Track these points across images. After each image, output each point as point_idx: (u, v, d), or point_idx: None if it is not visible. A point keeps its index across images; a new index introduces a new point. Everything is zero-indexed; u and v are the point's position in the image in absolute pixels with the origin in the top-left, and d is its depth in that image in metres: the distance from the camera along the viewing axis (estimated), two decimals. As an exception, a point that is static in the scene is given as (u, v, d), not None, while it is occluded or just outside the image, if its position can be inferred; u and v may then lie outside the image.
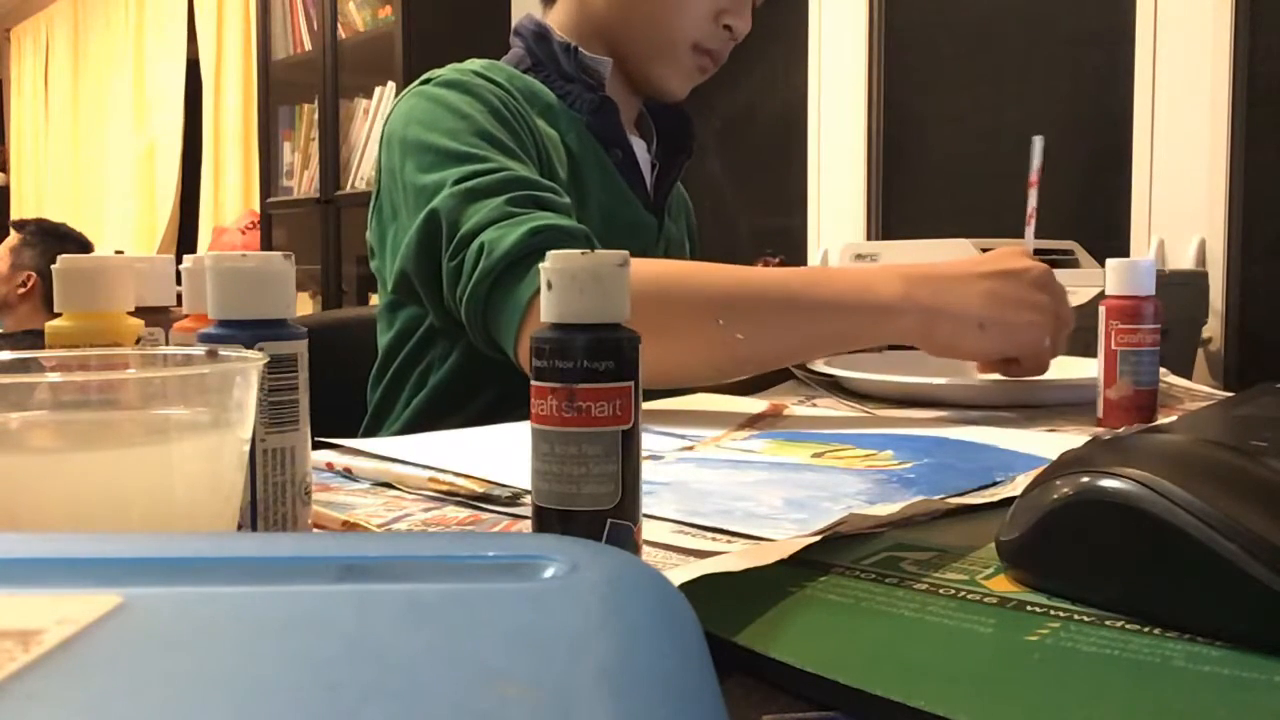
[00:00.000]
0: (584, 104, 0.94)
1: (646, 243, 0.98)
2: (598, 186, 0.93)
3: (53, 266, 0.54)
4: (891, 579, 0.36)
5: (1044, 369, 0.80)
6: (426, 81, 0.90)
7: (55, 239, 2.48)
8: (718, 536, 0.43)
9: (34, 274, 2.45)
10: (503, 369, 0.80)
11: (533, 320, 0.73)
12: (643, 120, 1.06)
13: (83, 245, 2.56)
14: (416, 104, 0.87)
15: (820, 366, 0.95)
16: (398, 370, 0.93)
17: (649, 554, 0.41)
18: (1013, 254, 0.80)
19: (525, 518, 0.45)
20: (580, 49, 0.96)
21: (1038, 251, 1.42)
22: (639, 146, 1.00)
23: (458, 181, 0.79)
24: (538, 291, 0.75)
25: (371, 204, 0.92)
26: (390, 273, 0.86)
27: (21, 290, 2.45)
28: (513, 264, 0.74)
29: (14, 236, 2.49)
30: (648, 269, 0.73)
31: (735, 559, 0.35)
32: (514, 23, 1.02)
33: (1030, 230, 0.84)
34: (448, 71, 0.90)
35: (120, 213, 4.31)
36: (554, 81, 0.95)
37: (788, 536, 0.39)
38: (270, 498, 0.39)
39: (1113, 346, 0.71)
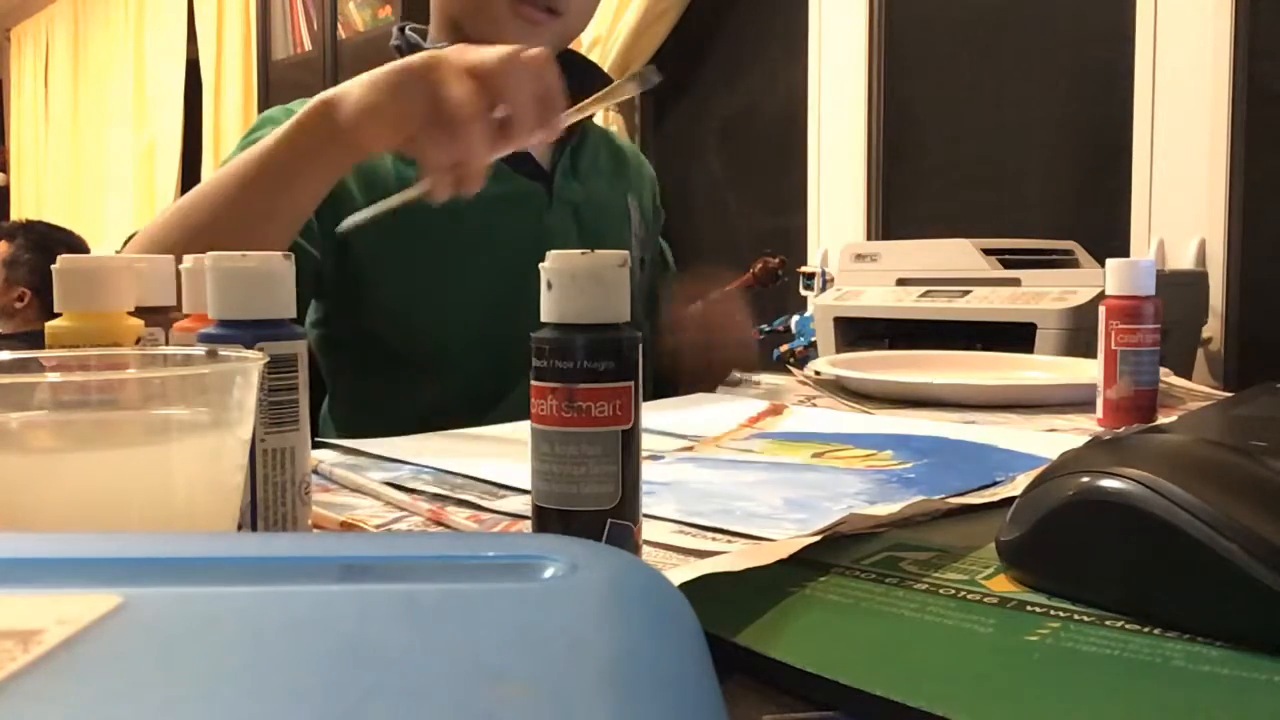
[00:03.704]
0: None
1: (538, 207, 0.96)
2: None
3: (53, 267, 0.54)
4: (891, 579, 0.36)
5: (449, 156, 0.69)
6: None
7: (47, 251, 2.47)
8: (718, 536, 0.43)
9: (28, 290, 2.44)
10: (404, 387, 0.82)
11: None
12: None
13: (73, 248, 2.55)
14: None
15: (821, 366, 0.95)
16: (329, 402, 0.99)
17: (649, 554, 0.41)
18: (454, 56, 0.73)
19: (525, 518, 0.44)
20: (408, 33, 0.99)
21: (1037, 251, 1.43)
22: None
23: None
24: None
25: None
26: None
27: (19, 304, 2.44)
28: None
29: (4, 246, 2.47)
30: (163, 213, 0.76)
31: (735, 559, 0.35)
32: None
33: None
34: (271, 109, 0.96)
35: (120, 213, 4.31)
36: None
37: (788, 536, 0.39)
38: (270, 498, 0.39)
39: (1113, 346, 0.71)
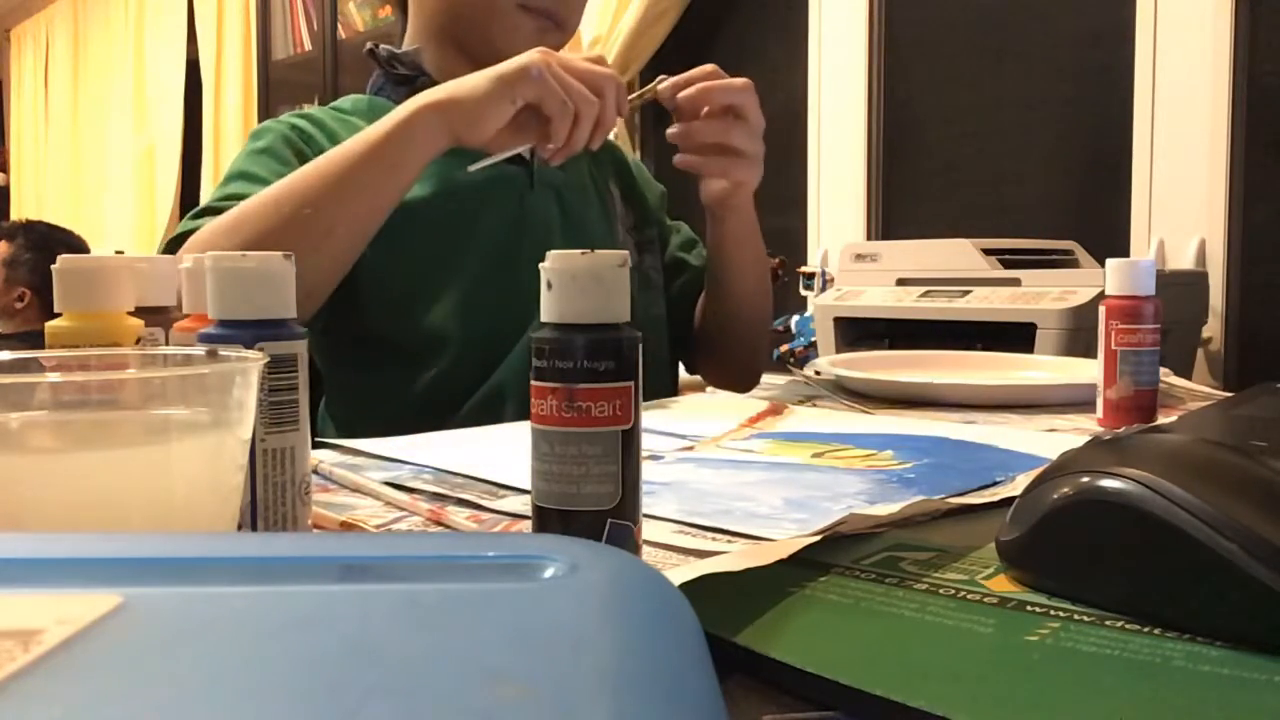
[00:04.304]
0: (404, 97, 0.97)
1: (520, 189, 0.99)
2: (449, 164, 0.92)
3: (53, 267, 0.54)
4: (891, 579, 0.36)
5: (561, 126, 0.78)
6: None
7: (47, 251, 2.47)
8: (718, 536, 0.43)
9: (28, 290, 2.44)
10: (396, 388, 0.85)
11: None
12: None
13: (73, 248, 2.55)
14: None
15: (821, 366, 0.95)
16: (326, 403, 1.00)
17: (649, 554, 0.41)
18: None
19: (525, 517, 0.44)
20: (385, 47, 1.02)
21: (1037, 251, 1.43)
22: None
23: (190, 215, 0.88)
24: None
25: None
26: None
27: (19, 305, 2.44)
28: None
29: (4, 246, 2.47)
30: (214, 229, 0.78)
31: (735, 559, 0.35)
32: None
33: None
34: (264, 122, 0.98)
35: (120, 213, 4.31)
36: (393, 89, 1.01)
37: (788, 536, 0.39)
38: (270, 498, 0.39)
39: (1113, 346, 0.71)
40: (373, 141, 0.78)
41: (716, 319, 1.05)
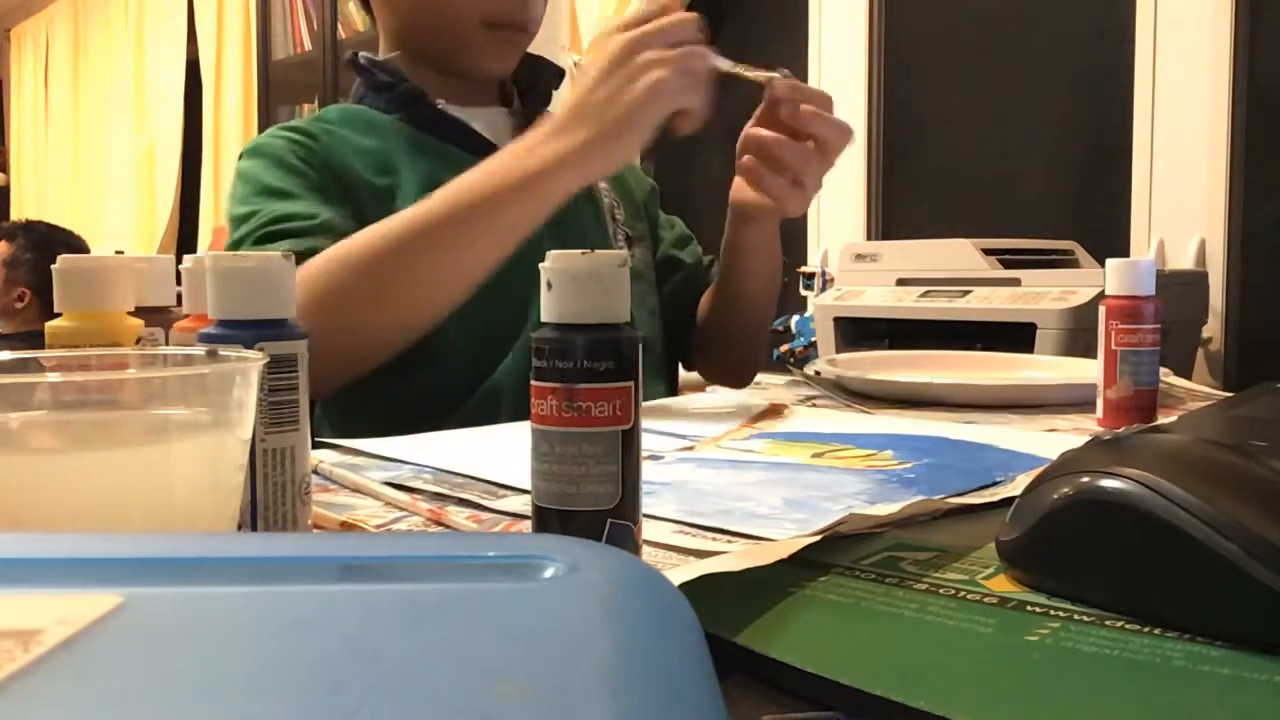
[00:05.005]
0: (393, 105, 0.98)
1: None
2: (432, 170, 0.93)
3: (53, 267, 0.54)
4: (891, 579, 0.36)
5: (695, 91, 0.75)
6: (240, 155, 0.96)
7: (47, 251, 2.47)
8: (718, 536, 0.43)
9: (28, 290, 2.44)
10: (388, 390, 0.85)
11: None
12: (505, 87, 1.07)
13: (73, 248, 2.55)
14: (232, 182, 0.95)
15: (821, 366, 0.95)
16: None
17: (649, 554, 0.41)
18: (600, 47, 0.77)
19: (525, 517, 0.44)
20: (365, 55, 1.01)
21: (1037, 251, 1.43)
22: (493, 114, 1.02)
23: (231, 241, 0.87)
24: None
25: None
26: None
27: (19, 305, 2.44)
28: None
29: (4, 246, 2.47)
30: (327, 258, 0.77)
31: (735, 559, 0.35)
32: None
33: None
34: (255, 138, 0.98)
35: (120, 213, 4.31)
36: (375, 97, 1.00)
37: (788, 536, 0.39)
38: (270, 498, 0.39)
39: (1113, 346, 0.71)
40: (502, 191, 0.75)
41: (719, 314, 1.05)
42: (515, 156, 0.76)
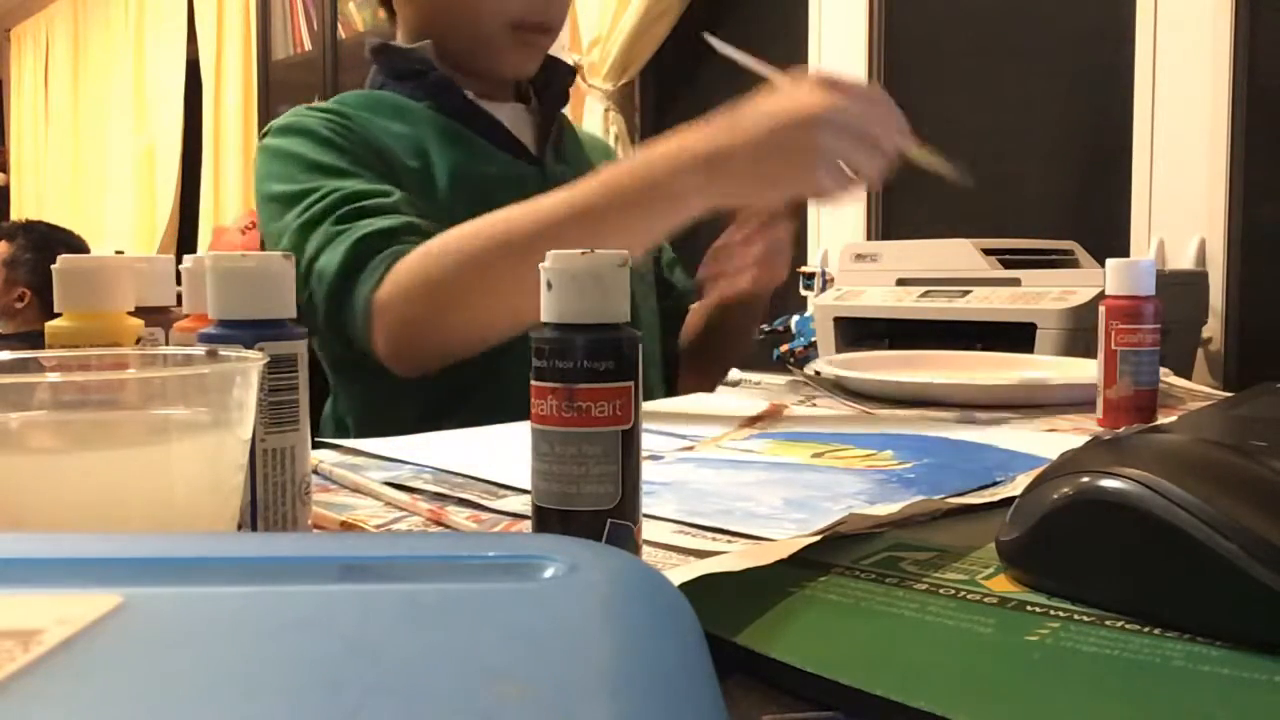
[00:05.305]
0: (422, 91, 0.98)
1: (535, 190, 0.99)
2: (462, 158, 0.95)
3: (53, 267, 0.54)
4: (891, 579, 0.36)
5: (851, 197, 0.76)
6: (265, 133, 0.95)
7: (47, 251, 2.47)
8: (718, 536, 0.43)
9: (28, 290, 2.44)
10: (411, 387, 0.85)
11: (377, 326, 0.79)
12: (522, 85, 1.08)
13: (73, 248, 2.54)
14: (259, 160, 0.93)
15: (821, 366, 0.95)
16: (337, 401, 0.99)
17: (649, 554, 0.41)
18: (798, 88, 0.75)
19: (525, 517, 0.44)
20: (391, 42, 1.01)
21: (1037, 251, 1.43)
22: (512, 109, 1.03)
23: (297, 217, 0.85)
24: (369, 296, 0.79)
25: None
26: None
27: (19, 305, 2.44)
28: (344, 281, 0.80)
29: (4, 246, 2.47)
30: (459, 235, 0.77)
31: (735, 559, 0.35)
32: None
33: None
34: (282, 117, 0.96)
35: (120, 213, 4.31)
36: (399, 84, 1.00)
37: (788, 536, 0.39)
38: (270, 498, 0.39)
39: (1113, 346, 0.71)
40: (626, 193, 0.75)
41: (693, 352, 1.10)
42: (648, 170, 0.75)
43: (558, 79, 1.07)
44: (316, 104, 0.97)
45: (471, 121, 0.98)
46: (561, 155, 1.06)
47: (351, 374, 0.96)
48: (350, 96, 1.00)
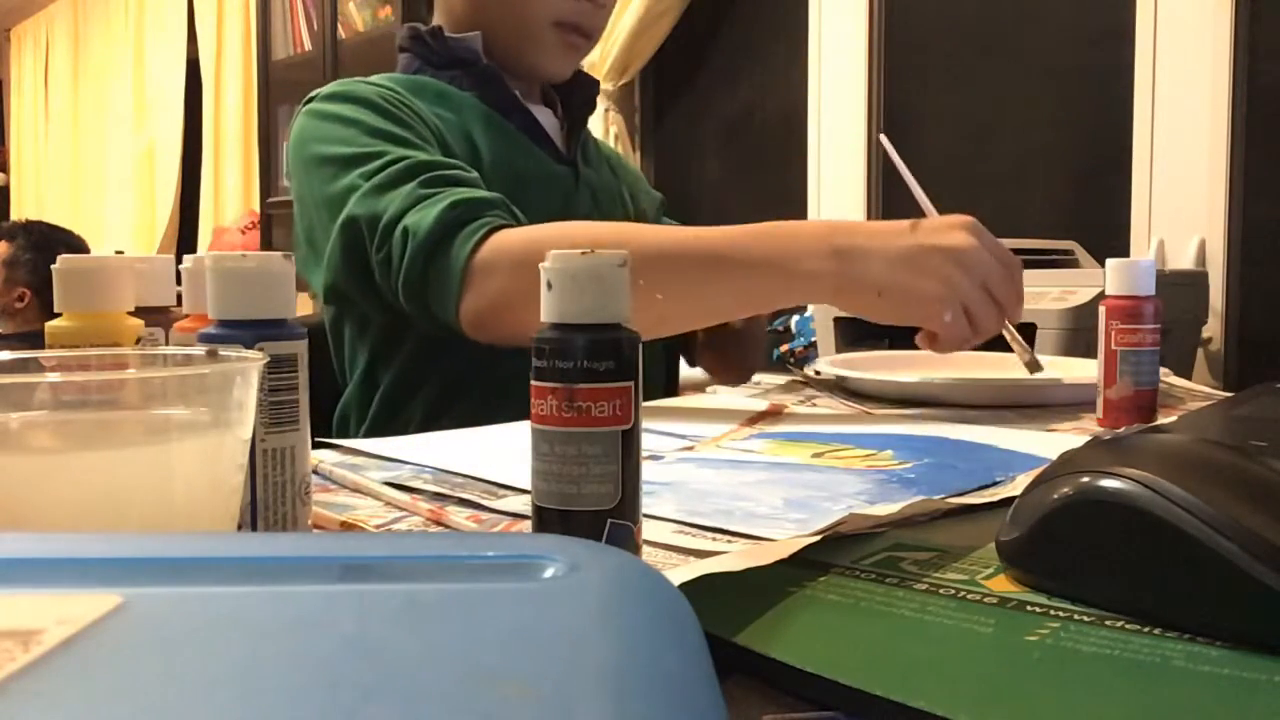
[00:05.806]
0: (468, 80, 0.98)
1: (566, 190, 1.00)
2: (504, 150, 0.95)
3: (53, 267, 0.54)
4: (891, 579, 0.36)
5: (956, 345, 0.77)
6: (311, 100, 0.93)
7: (47, 251, 2.47)
8: (718, 536, 0.43)
9: (28, 290, 2.44)
10: (441, 366, 0.84)
11: (471, 286, 0.77)
12: (546, 91, 1.08)
13: (73, 248, 2.54)
14: (307, 123, 0.91)
15: (821, 366, 0.95)
16: (352, 390, 0.97)
17: (649, 554, 0.41)
18: (950, 225, 0.76)
19: (525, 517, 0.44)
20: (445, 31, 1.00)
21: (1037, 251, 1.43)
22: (542, 112, 1.03)
23: (366, 179, 0.83)
24: (469, 256, 0.78)
25: (294, 233, 0.94)
26: (322, 290, 0.90)
27: (19, 305, 2.44)
28: (440, 239, 0.78)
29: (4, 246, 2.47)
30: (577, 233, 0.78)
31: (735, 559, 0.35)
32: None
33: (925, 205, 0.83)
34: (330, 86, 0.94)
35: (120, 213, 4.31)
36: (439, 71, 0.99)
37: (788, 536, 0.39)
38: (270, 498, 0.39)
39: (1113, 346, 0.71)
40: (764, 268, 0.75)
41: (713, 341, 1.10)
42: (781, 241, 0.76)
43: (583, 89, 1.08)
44: (363, 78, 0.96)
45: (512, 115, 0.98)
46: (588, 160, 1.07)
47: (389, 342, 0.94)
48: (386, 77, 0.98)
